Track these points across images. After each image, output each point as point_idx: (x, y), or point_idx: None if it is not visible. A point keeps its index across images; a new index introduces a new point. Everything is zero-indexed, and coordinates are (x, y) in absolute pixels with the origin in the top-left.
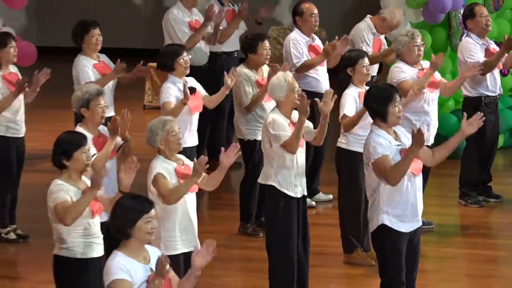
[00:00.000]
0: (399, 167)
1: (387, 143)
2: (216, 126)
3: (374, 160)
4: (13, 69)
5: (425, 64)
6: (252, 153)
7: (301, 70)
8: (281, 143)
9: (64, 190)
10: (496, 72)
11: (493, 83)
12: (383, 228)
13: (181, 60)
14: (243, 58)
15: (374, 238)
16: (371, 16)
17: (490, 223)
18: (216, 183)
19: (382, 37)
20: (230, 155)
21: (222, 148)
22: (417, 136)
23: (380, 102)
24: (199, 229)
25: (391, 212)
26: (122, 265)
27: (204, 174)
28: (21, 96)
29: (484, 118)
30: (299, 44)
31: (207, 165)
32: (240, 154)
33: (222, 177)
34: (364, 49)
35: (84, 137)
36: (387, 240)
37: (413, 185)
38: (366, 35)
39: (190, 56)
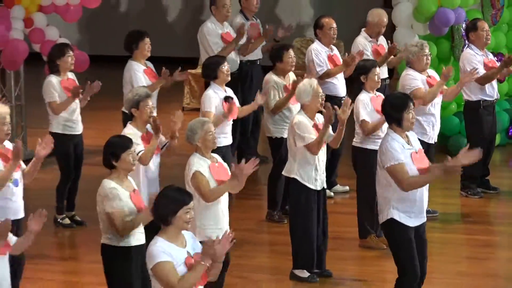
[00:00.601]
0: (416, 183)
1: (401, 148)
2: (244, 128)
3: (391, 166)
4: (70, 75)
5: (431, 72)
6: (279, 149)
7: (323, 78)
8: (305, 144)
9: (120, 198)
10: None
11: (491, 89)
12: (392, 221)
13: (224, 69)
14: (264, 66)
15: (385, 229)
16: (364, 28)
17: (488, 212)
18: (239, 188)
19: (382, 41)
20: (248, 169)
21: (243, 161)
22: (451, 168)
23: (396, 109)
24: (231, 216)
25: (400, 208)
26: (163, 248)
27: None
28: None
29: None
30: (320, 54)
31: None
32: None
33: (243, 184)
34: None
35: (130, 141)
36: (396, 232)
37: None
38: (365, 45)
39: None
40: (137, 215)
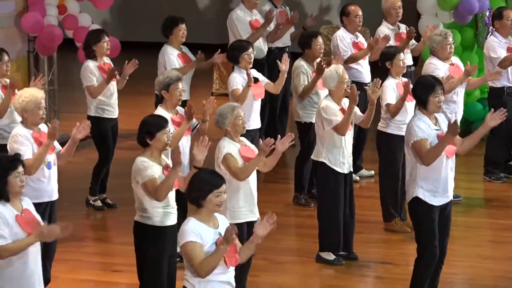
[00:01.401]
0: (433, 151)
1: (426, 128)
2: (273, 112)
3: (413, 142)
4: (106, 60)
5: (454, 59)
6: (307, 133)
7: (348, 62)
8: (333, 126)
9: (151, 167)
10: None
11: None
12: (417, 200)
13: (246, 55)
14: (293, 52)
15: (410, 208)
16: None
17: (511, 196)
18: (272, 165)
19: (404, 30)
20: (284, 143)
21: (279, 136)
22: (452, 126)
23: (424, 92)
24: (259, 199)
25: (425, 187)
26: (194, 229)
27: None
28: (114, 83)
29: (506, 113)
30: (345, 40)
31: (273, 146)
32: (293, 142)
33: (276, 161)
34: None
35: (166, 120)
36: (420, 210)
37: (446, 165)
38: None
39: (255, 52)
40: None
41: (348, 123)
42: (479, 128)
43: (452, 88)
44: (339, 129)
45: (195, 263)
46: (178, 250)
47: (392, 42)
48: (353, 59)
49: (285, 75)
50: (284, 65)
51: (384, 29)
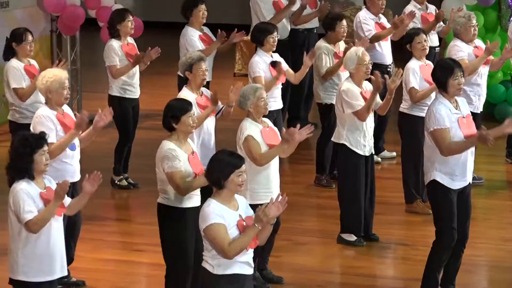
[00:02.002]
0: (455, 147)
1: (448, 113)
2: (297, 92)
3: (434, 129)
4: (130, 40)
5: (478, 42)
6: (328, 115)
7: (372, 41)
8: (353, 111)
9: (179, 159)
10: None
11: None
12: (435, 183)
13: (270, 38)
14: (321, 33)
15: (428, 190)
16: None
17: None
18: (290, 152)
19: (432, 10)
20: (302, 133)
21: (298, 125)
22: (484, 136)
23: (443, 75)
24: (281, 180)
25: (443, 170)
26: (217, 210)
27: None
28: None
29: None
30: (367, 20)
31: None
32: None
33: (294, 149)
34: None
35: (190, 104)
36: (438, 193)
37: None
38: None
39: (279, 36)
40: (196, 178)
41: (369, 110)
42: (495, 128)
43: (475, 68)
44: (360, 115)
45: (223, 244)
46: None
47: (418, 23)
48: (377, 38)
49: (307, 69)
50: (309, 60)
51: (411, 7)
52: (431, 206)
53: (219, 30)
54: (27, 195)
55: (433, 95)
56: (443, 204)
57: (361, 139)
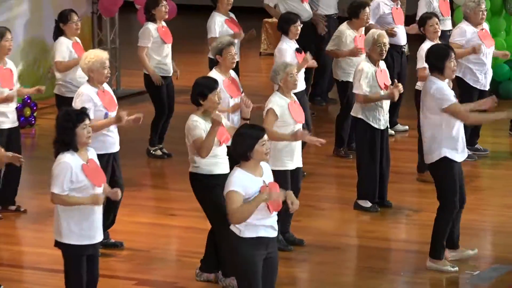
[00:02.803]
0: (476, 118)
1: (450, 91)
2: (320, 72)
3: (448, 106)
4: (163, 23)
5: (484, 25)
6: (346, 92)
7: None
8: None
9: (199, 127)
10: None
11: None
12: (445, 159)
13: (293, 28)
14: (341, 18)
15: (436, 167)
16: None
17: None
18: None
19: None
20: (312, 139)
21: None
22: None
23: (440, 59)
24: (303, 150)
25: (449, 146)
26: (239, 179)
27: None
28: (169, 45)
29: None
30: (379, 8)
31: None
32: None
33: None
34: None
35: (216, 82)
36: (448, 168)
37: (460, 125)
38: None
39: (301, 25)
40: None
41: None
42: (493, 114)
43: (458, 57)
44: (365, 100)
45: (231, 209)
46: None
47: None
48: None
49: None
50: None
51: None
52: (437, 181)
53: (253, 30)
54: (69, 170)
55: None
56: (452, 178)
57: (377, 114)
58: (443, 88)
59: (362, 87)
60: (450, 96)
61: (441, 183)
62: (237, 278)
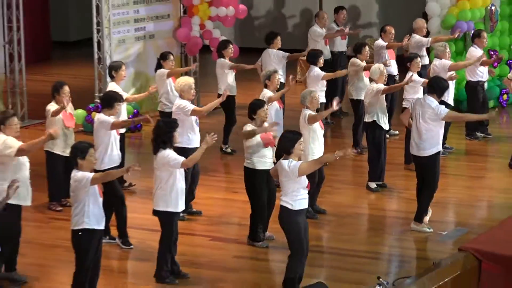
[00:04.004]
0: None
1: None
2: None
3: (446, 114)
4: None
5: (449, 60)
6: (358, 107)
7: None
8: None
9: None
10: None
11: (482, 73)
12: (437, 154)
13: (320, 60)
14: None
15: (431, 160)
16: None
17: (486, 149)
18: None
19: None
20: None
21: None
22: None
23: (442, 86)
24: (326, 149)
25: (439, 145)
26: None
27: None
28: (234, 75)
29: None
30: (382, 45)
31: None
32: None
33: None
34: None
35: (264, 102)
36: (437, 161)
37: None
38: (420, 41)
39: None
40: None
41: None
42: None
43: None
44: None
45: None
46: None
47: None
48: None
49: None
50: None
51: (418, 37)
52: (429, 171)
53: (291, 76)
54: (175, 154)
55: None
56: (438, 168)
57: (384, 118)
58: (435, 103)
59: (380, 86)
60: (443, 106)
61: (431, 171)
62: (290, 236)
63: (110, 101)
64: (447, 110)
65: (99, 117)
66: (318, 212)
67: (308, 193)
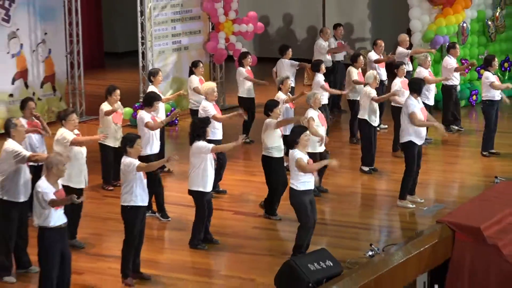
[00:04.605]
0: (421, 122)
1: (416, 104)
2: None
3: (412, 112)
4: (249, 68)
5: (429, 69)
6: (354, 105)
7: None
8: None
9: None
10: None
11: (456, 79)
12: (411, 142)
13: (323, 66)
14: (346, 63)
15: (405, 145)
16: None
17: (458, 140)
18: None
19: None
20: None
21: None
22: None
23: (419, 85)
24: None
25: (414, 134)
26: (298, 153)
27: None
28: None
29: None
30: (374, 57)
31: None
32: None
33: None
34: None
35: (278, 103)
36: (411, 147)
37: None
38: (403, 53)
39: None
40: None
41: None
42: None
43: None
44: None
45: (304, 165)
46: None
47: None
48: (377, 62)
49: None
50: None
51: (401, 50)
52: (405, 154)
53: (304, 91)
54: (206, 143)
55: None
56: (414, 153)
57: (374, 116)
58: (412, 103)
59: (372, 94)
60: (413, 107)
61: (407, 155)
62: (297, 211)
63: (150, 100)
64: (412, 111)
65: (140, 114)
66: (322, 191)
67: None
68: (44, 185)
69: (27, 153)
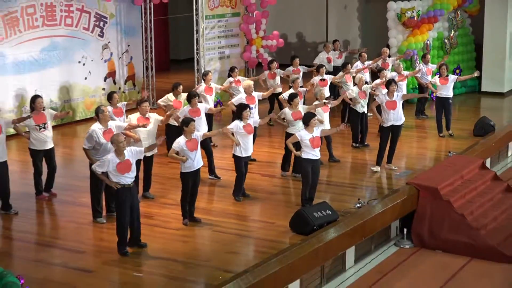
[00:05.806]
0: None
1: (386, 98)
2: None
3: (386, 101)
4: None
5: (402, 73)
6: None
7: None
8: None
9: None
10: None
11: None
12: (386, 126)
13: (322, 69)
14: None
15: (380, 128)
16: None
17: (422, 124)
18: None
19: (389, 61)
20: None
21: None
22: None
23: (391, 84)
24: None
25: (388, 119)
26: (302, 133)
27: None
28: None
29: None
30: (358, 66)
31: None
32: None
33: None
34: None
35: (296, 95)
36: (385, 129)
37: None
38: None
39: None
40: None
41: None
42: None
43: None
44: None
45: (288, 143)
46: None
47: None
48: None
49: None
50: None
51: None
52: (380, 134)
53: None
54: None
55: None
56: (387, 134)
57: (360, 106)
58: (382, 98)
59: (353, 93)
60: (384, 99)
61: (382, 135)
62: (301, 173)
63: (189, 97)
64: (380, 101)
65: (200, 105)
66: (335, 161)
67: (319, 151)
68: (109, 156)
69: (104, 140)
